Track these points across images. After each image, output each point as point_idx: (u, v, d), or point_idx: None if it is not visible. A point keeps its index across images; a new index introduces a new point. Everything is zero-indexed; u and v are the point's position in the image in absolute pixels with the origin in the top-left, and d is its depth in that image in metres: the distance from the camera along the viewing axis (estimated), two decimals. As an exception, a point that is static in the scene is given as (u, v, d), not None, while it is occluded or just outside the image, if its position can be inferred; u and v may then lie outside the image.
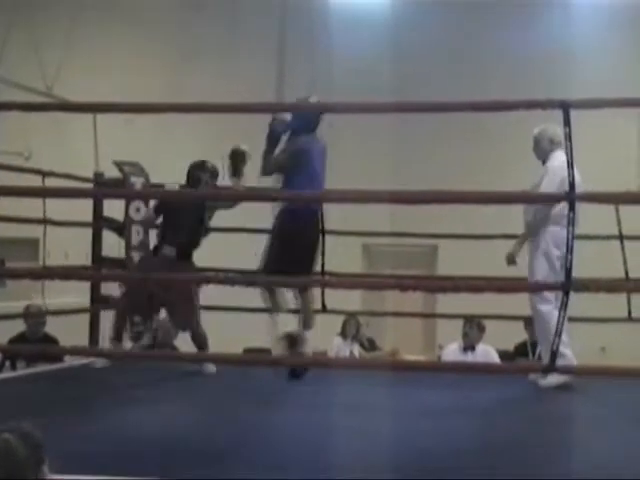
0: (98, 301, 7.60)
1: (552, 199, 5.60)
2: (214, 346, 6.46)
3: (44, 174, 6.93)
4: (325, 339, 8.05)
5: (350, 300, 7.68)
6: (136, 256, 7.01)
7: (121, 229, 7.32)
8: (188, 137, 11.48)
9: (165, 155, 10.43)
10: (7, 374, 6.91)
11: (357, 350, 8.12)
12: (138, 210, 7.03)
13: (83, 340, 7.58)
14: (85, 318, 7.64)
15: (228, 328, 8.99)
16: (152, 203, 6.58)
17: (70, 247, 9.29)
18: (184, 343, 7.58)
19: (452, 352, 7.57)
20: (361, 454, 3.94)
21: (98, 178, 7.56)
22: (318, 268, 6.84)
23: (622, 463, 3.87)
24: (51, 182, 6.89)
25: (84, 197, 7.10)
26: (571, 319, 5.32)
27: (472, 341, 7.49)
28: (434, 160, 11.05)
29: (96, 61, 11.97)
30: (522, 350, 8.03)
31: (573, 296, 4.61)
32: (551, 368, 4.86)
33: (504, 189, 5.34)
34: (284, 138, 5.93)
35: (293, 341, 5.78)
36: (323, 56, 11.16)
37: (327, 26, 11.21)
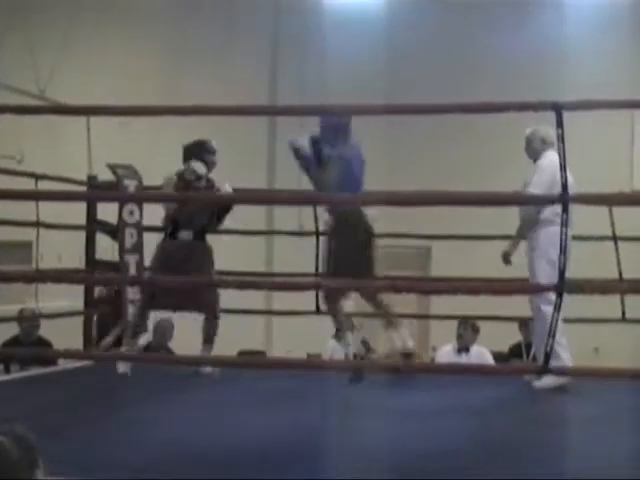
0: (92, 304, 7.59)
1: (546, 200, 5.60)
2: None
3: (37, 177, 6.92)
4: (320, 342, 8.06)
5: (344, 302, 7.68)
6: (131, 259, 7.00)
7: (115, 232, 7.30)
8: (182, 140, 11.45)
9: (159, 158, 10.41)
10: (1, 377, 6.89)
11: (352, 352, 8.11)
12: (132, 213, 7.01)
13: (77, 343, 7.57)
14: (79, 321, 7.63)
15: (223, 330, 9.00)
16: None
17: (63, 250, 9.28)
18: (178, 346, 7.58)
19: (446, 353, 7.57)
20: (356, 455, 3.95)
21: (91, 181, 7.56)
22: (316, 270, 6.86)
23: (615, 464, 3.87)
24: (44, 185, 6.89)
25: (77, 200, 7.11)
26: (565, 320, 5.34)
27: (466, 342, 7.50)
28: (427, 161, 11.07)
29: (90, 63, 11.98)
30: (516, 351, 8.05)
31: (568, 297, 4.62)
32: (545, 369, 4.86)
33: (497, 189, 5.35)
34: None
35: (407, 355, 5.89)
36: (316, 57, 11.17)
37: (320, 27, 11.22)
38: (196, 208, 6.33)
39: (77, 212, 7.43)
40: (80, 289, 7.64)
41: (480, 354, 7.45)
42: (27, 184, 6.84)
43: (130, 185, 7.07)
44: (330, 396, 5.60)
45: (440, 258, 10.61)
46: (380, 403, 5.37)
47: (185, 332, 8.05)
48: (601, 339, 9.61)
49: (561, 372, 5.51)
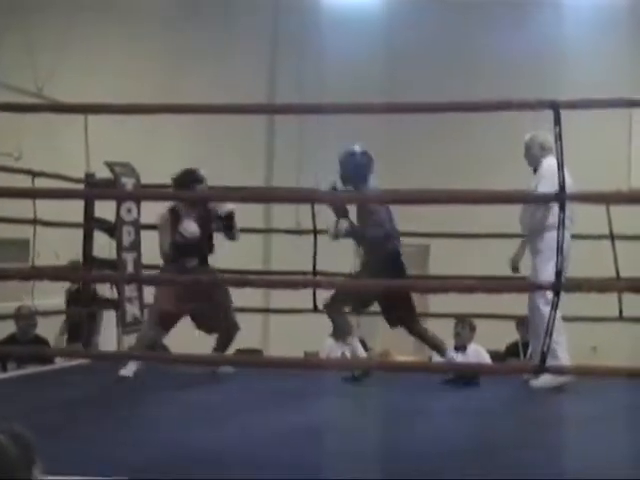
0: (89, 302, 7.58)
1: (543, 199, 5.61)
2: (207, 347, 6.44)
3: (34, 175, 6.92)
4: (317, 340, 8.05)
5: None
6: (128, 257, 6.99)
7: (112, 230, 7.29)
8: (180, 138, 11.49)
9: (157, 156, 10.42)
10: (-2, 375, 6.90)
11: (349, 351, 8.10)
12: (129, 211, 7.00)
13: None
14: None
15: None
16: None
17: (61, 248, 9.27)
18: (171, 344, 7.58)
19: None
20: (353, 455, 3.95)
21: (89, 179, 7.55)
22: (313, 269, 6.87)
23: (612, 463, 3.87)
24: (42, 183, 6.88)
25: (75, 198, 7.09)
26: (563, 319, 5.34)
27: (464, 341, 7.50)
28: (424, 159, 11.07)
29: (89, 63, 11.97)
30: (513, 350, 8.05)
31: (566, 296, 4.62)
32: (542, 369, 4.86)
33: (495, 188, 5.35)
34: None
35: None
36: (315, 56, 11.17)
37: (319, 27, 11.22)
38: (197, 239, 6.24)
39: (75, 210, 7.42)
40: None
41: (477, 353, 7.45)
42: (24, 182, 6.84)
43: (128, 183, 7.06)
44: (328, 396, 5.60)
45: (438, 256, 10.62)
46: (377, 403, 5.38)
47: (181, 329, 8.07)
48: (599, 338, 9.61)
49: (558, 371, 5.51)
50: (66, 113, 8.18)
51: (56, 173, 7.03)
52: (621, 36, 10.98)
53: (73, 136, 9.78)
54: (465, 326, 7.52)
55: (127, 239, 6.89)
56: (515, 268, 6.10)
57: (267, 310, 10.13)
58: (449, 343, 7.56)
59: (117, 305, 6.85)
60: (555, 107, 4.45)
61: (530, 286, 5.84)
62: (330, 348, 8.10)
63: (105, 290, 7.99)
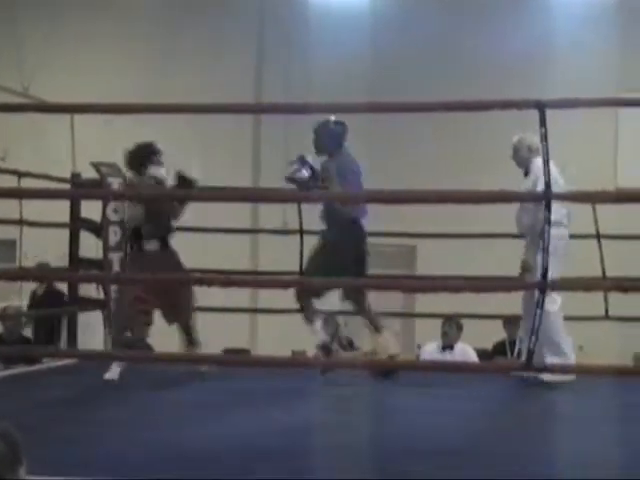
0: (75, 302, 7.56)
1: (529, 198, 5.62)
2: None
3: (20, 175, 6.89)
4: (304, 339, 8.05)
5: (328, 300, 7.69)
6: (114, 257, 6.99)
7: (98, 230, 7.29)
8: (167, 138, 11.42)
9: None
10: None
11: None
12: (116, 211, 7.00)
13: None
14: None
15: (208, 328, 8.98)
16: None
17: (47, 248, 9.24)
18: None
19: (430, 351, 7.58)
20: (341, 454, 3.96)
21: (75, 179, 7.53)
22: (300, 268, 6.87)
23: (600, 460, 3.88)
24: (28, 183, 6.86)
25: (61, 198, 7.07)
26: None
27: (451, 340, 7.50)
28: (410, 159, 11.08)
29: (75, 62, 11.93)
30: (500, 349, 8.07)
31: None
32: (528, 366, 4.87)
33: (483, 188, 5.36)
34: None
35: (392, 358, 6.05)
36: (302, 56, 11.17)
37: (306, 27, 11.21)
38: (159, 217, 6.20)
39: (61, 210, 7.40)
40: (64, 287, 7.62)
41: (464, 352, 7.45)
42: (10, 182, 6.81)
43: (114, 183, 7.06)
44: (316, 394, 5.61)
45: (425, 256, 10.63)
46: (364, 401, 5.38)
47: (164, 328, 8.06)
48: (586, 337, 9.63)
49: (545, 369, 5.53)
50: (52, 113, 8.16)
51: (42, 173, 7.00)
52: (611, 33, 10.98)
53: (59, 136, 9.77)
54: (452, 325, 7.53)
55: (113, 239, 6.89)
56: (529, 269, 6.01)
57: (255, 310, 10.13)
58: (437, 342, 7.60)
59: (103, 305, 6.84)
60: (540, 107, 4.45)
61: (516, 285, 5.85)
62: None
63: (91, 290, 7.98)
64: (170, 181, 6.15)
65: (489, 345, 8.23)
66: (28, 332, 7.96)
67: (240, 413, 4.99)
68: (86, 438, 4.25)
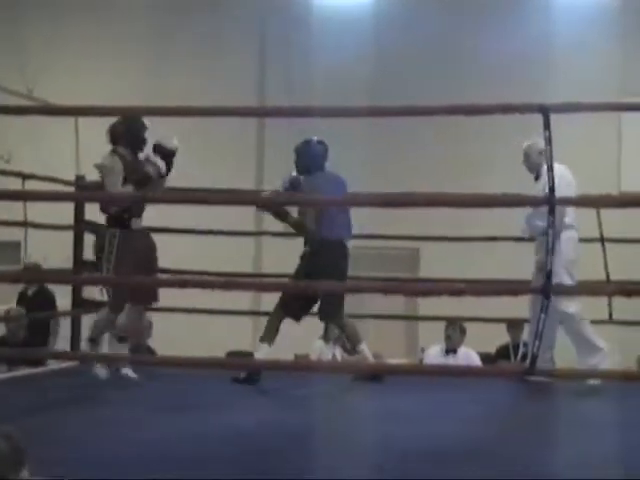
0: (79, 305, 7.57)
1: (532, 202, 5.62)
2: (197, 349, 6.42)
3: (25, 177, 6.90)
4: (307, 342, 8.06)
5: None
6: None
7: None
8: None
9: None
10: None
11: (339, 353, 8.11)
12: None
13: (64, 344, 7.55)
14: (66, 322, 7.61)
15: (211, 331, 8.99)
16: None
17: (51, 250, 9.24)
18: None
19: (434, 355, 7.58)
20: (343, 456, 3.96)
21: (79, 181, 7.54)
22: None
23: (603, 463, 3.88)
24: (32, 185, 6.87)
25: (65, 200, 7.08)
26: (552, 322, 5.35)
27: (454, 344, 7.51)
28: (411, 162, 11.04)
29: (78, 63, 11.94)
30: (504, 353, 8.06)
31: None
32: (531, 371, 4.87)
33: (482, 191, 5.36)
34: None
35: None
36: (303, 58, 11.16)
37: (308, 28, 11.21)
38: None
39: (65, 212, 7.41)
40: (68, 290, 7.62)
41: (467, 355, 7.46)
42: (15, 184, 6.82)
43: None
44: (319, 398, 5.61)
45: (429, 260, 10.61)
46: (367, 405, 5.38)
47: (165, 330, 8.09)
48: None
49: (546, 374, 5.52)
50: (57, 115, 8.17)
51: (46, 175, 7.01)
52: (614, 35, 10.97)
53: (63, 138, 9.79)
54: (456, 329, 7.53)
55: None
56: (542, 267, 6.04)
57: (258, 313, 10.12)
58: (441, 345, 7.60)
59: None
60: (544, 111, 4.46)
61: (519, 289, 5.84)
62: (320, 350, 8.11)
63: (95, 292, 7.98)
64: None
65: (492, 349, 8.23)
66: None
67: (239, 417, 4.99)
68: (88, 439, 4.25)
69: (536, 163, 6.05)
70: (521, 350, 7.63)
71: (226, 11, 11.72)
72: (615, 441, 4.30)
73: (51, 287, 8.55)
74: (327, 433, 4.56)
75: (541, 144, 5.86)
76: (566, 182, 5.68)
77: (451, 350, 7.47)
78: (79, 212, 7.50)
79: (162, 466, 3.76)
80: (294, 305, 6.06)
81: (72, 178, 7.56)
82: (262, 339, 6.13)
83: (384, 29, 11.13)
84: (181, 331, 8.76)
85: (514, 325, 7.70)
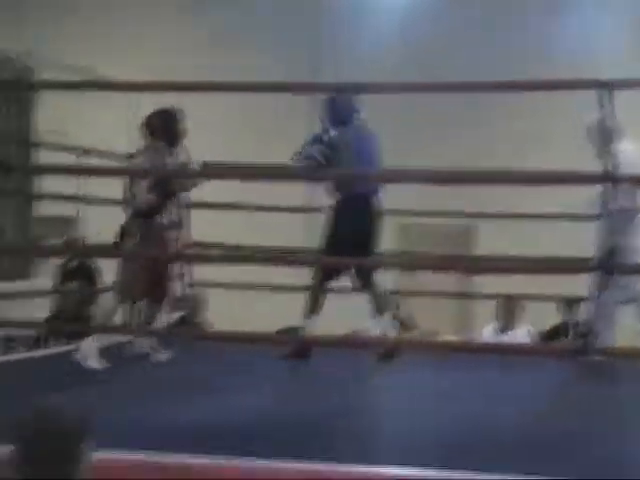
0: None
1: (592, 180, 5.52)
2: (244, 326, 6.40)
3: (83, 151, 6.94)
4: (362, 318, 8.02)
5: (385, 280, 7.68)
6: (171, 235, 7.00)
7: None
8: (224, 115, 11.47)
9: (200, 135, 10.39)
10: (39, 352, 6.98)
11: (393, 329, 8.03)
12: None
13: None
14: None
15: (261, 309, 9.02)
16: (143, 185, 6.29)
17: (105, 226, 9.31)
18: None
19: (488, 334, 7.53)
20: (393, 435, 3.94)
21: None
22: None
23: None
24: (86, 161, 6.92)
25: (119, 175, 7.09)
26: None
27: (508, 322, 7.45)
28: (455, 140, 10.94)
29: (136, 41, 12.08)
30: (557, 331, 7.97)
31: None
32: (585, 350, 4.81)
33: (541, 166, 5.28)
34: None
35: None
36: (332, 47, 11.19)
37: (342, 18, 11.25)
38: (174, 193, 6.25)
39: (119, 188, 7.45)
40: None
41: (523, 334, 7.39)
42: (68, 159, 6.87)
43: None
44: (363, 376, 5.60)
45: (485, 236, 10.50)
46: (413, 383, 5.35)
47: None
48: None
49: (604, 353, 5.44)
50: (112, 91, 8.22)
51: (101, 150, 7.05)
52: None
53: (117, 114, 9.83)
54: (510, 307, 7.47)
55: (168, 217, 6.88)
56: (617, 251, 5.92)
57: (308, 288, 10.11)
58: (494, 324, 7.54)
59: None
60: (609, 87, 4.41)
61: (576, 267, 5.76)
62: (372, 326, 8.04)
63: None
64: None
65: (546, 327, 8.15)
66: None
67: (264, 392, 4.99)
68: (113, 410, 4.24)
69: (605, 139, 5.90)
70: (577, 329, 7.53)
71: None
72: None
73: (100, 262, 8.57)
74: (378, 413, 4.54)
75: (607, 121, 5.77)
76: (632, 162, 5.52)
77: (505, 328, 7.41)
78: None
79: (178, 440, 3.74)
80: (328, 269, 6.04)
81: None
82: (307, 314, 6.09)
83: (416, 19, 11.15)
84: (234, 308, 8.77)
85: (569, 303, 7.61)
